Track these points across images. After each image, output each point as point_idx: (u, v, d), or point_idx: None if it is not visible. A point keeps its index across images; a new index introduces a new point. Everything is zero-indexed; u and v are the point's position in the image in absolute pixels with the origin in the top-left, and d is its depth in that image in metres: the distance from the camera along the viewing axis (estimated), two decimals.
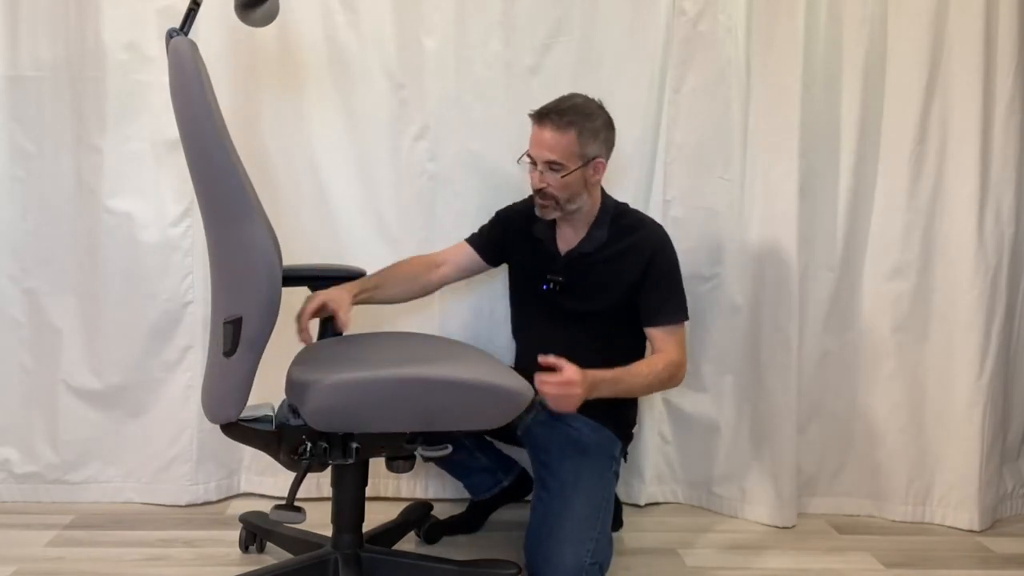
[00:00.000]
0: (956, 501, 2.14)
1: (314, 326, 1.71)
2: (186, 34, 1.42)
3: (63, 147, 2.05)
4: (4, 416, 2.11)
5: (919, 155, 2.11)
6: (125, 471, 2.14)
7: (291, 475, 1.49)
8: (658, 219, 1.99)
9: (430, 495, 2.20)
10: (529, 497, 1.89)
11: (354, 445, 1.46)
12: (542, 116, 1.71)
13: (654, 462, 2.24)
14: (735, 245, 2.13)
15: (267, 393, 1.56)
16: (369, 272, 1.86)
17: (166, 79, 1.45)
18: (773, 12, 2.05)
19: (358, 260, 1.94)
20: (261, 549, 1.89)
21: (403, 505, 2.02)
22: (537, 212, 1.79)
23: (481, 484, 2.02)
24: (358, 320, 1.86)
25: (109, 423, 2.12)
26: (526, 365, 1.82)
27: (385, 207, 2.12)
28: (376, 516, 1.95)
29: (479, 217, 1.99)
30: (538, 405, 1.55)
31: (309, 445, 1.45)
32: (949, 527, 2.15)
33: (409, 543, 1.94)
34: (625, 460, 1.93)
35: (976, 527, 2.12)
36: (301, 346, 1.65)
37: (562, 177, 1.71)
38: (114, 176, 2.05)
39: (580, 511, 1.65)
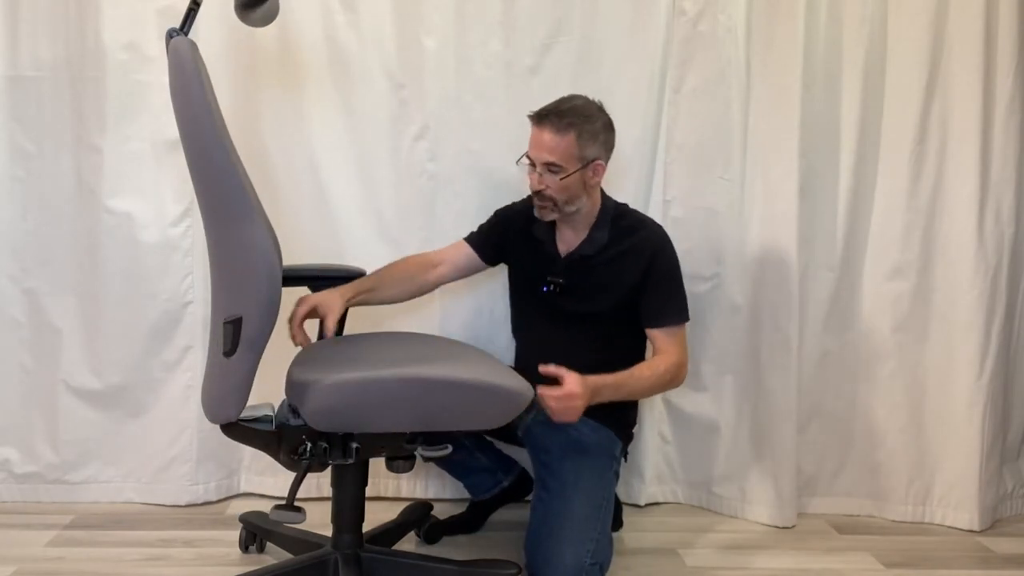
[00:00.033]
0: (956, 501, 2.14)
1: (312, 327, 1.70)
2: (186, 34, 1.42)
3: (63, 147, 2.05)
4: (4, 416, 2.11)
5: (919, 155, 2.11)
6: (125, 471, 2.14)
7: (291, 475, 1.49)
8: (658, 219, 2.00)
9: (430, 495, 2.20)
10: (529, 497, 1.89)
11: (354, 445, 1.46)
12: (541, 118, 1.70)
13: (654, 462, 2.24)
14: (735, 245, 2.13)
15: (267, 393, 1.56)
16: (369, 272, 1.86)
17: (166, 79, 1.45)
18: (773, 12, 2.05)
19: (358, 260, 1.94)
20: (261, 549, 1.89)
21: (403, 505, 2.02)
22: (536, 213, 1.79)
23: (481, 484, 2.02)
24: (358, 320, 1.87)
25: (109, 423, 2.12)
26: (526, 365, 1.82)
27: (385, 207, 2.12)
28: (376, 516, 1.95)
29: (479, 217, 1.99)
30: (538, 405, 1.55)
31: (309, 445, 1.45)
32: (949, 527, 2.15)
33: (409, 543, 1.94)
34: (625, 460, 1.94)
35: (976, 527, 2.12)
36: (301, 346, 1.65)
37: (561, 179, 1.70)
38: (114, 176, 2.05)
39: (580, 511, 1.65)
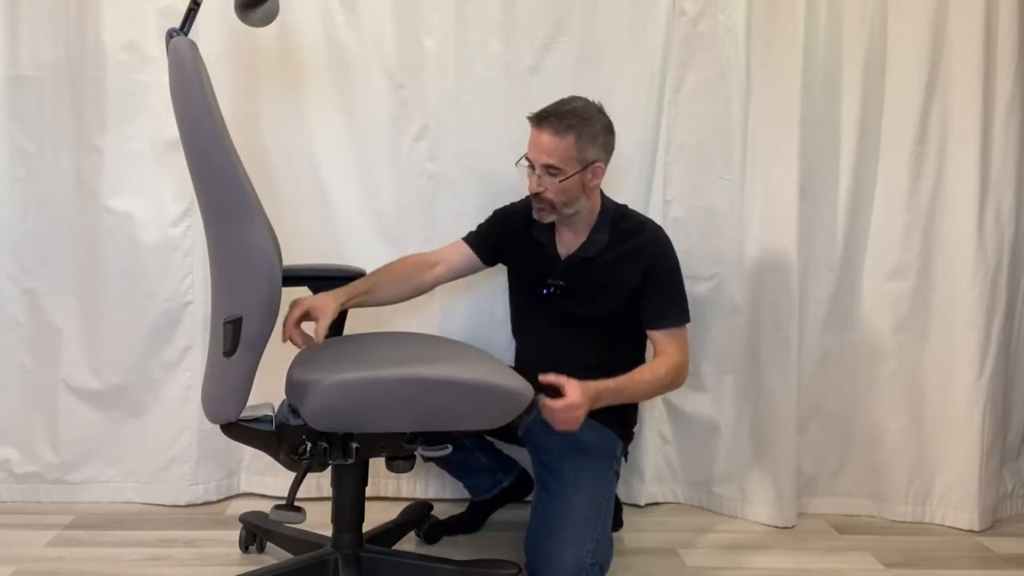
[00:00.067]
0: (956, 501, 2.14)
1: (309, 328, 1.69)
2: (186, 34, 1.42)
3: (63, 147, 2.05)
4: (4, 416, 2.11)
5: (919, 155, 2.11)
6: (125, 471, 2.14)
7: (291, 475, 1.49)
8: (658, 219, 2.00)
9: (430, 495, 2.20)
10: (529, 497, 1.89)
11: (354, 445, 1.46)
12: (541, 119, 1.69)
13: (654, 462, 2.24)
14: (735, 245, 2.13)
15: (267, 393, 1.56)
16: (369, 272, 1.85)
17: (166, 79, 1.45)
18: (773, 12, 2.05)
19: (358, 260, 1.94)
20: (261, 549, 1.89)
21: (403, 505, 2.02)
22: (534, 215, 1.78)
23: (481, 484, 2.02)
24: (358, 320, 1.87)
25: (109, 423, 2.12)
26: (526, 365, 1.83)
27: (385, 207, 2.12)
28: (376, 516, 1.95)
29: (479, 217, 1.98)
30: (538, 405, 1.55)
31: (309, 445, 1.45)
32: (949, 527, 2.15)
33: (409, 543, 1.94)
34: (626, 460, 1.93)
35: (976, 527, 2.12)
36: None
37: (560, 181, 1.69)
38: (114, 176, 2.05)
39: (580, 511, 1.65)
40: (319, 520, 1.75)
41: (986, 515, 2.14)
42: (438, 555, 1.80)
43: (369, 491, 1.64)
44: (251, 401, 1.39)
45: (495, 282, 2.11)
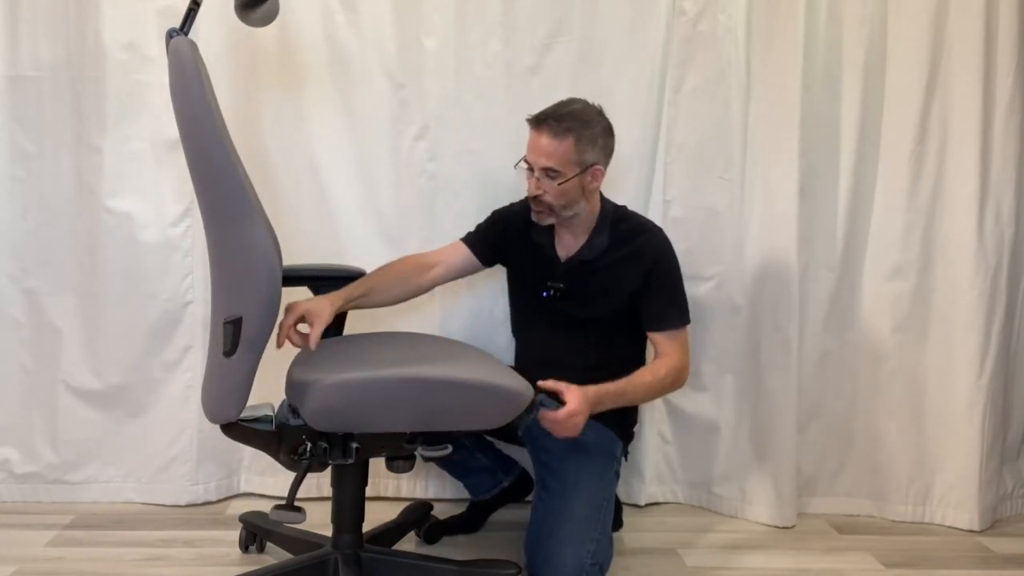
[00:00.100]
0: (956, 501, 2.14)
1: (306, 330, 1.69)
2: (186, 34, 1.42)
3: (63, 147, 2.05)
4: (4, 416, 2.11)
5: (919, 155, 2.11)
6: (125, 471, 2.14)
7: (291, 475, 1.49)
8: (658, 220, 2.00)
9: (430, 495, 2.20)
10: (529, 497, 1.89)
11: (354, 445, 1.46)
12: (540, 122, 1.68)
13: (654, 462, 2.24)
14: (735, 245, 2.13)
15: (267, 393, 1.56)
16: (369, 272, 1.85)
17: (166, 79, 1.45)
18: (773, 12, 2.05)
19: (358, 260, 1.94)
20: (261, 549, 1.89)
21: (403, 505, 2.02)
22: (533, 218, 1.77)
23: (481, 484, 2.02)
24: (358, 320, 1.87)
25: (109, 423, 2.12)
26: (526, 365, 1.83)
27: (385, 207, 2.12)
28: (376, 516, 1.95)
29: (479, 217, 1.98)
30: (538, 405, 1.55)
31: (309, 445, 1.45)
32: (949, 527, 2.15)
33: (409, 543, 1.94)
34: (626, 459, 1.93)
35: (976, 527, 2.12)
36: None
37: (559, 184, 1.69)
38: (114, 176, 2.05)
39: (580, 511, 1.64)
40: (319, 520, 1.75)
41: (986, 515, 2.14)
42: (438, 555, 1.80)
43: (369, 491, 1.64)
44: (251, 401, 1.39)
45: (495, 282, 2.11)
